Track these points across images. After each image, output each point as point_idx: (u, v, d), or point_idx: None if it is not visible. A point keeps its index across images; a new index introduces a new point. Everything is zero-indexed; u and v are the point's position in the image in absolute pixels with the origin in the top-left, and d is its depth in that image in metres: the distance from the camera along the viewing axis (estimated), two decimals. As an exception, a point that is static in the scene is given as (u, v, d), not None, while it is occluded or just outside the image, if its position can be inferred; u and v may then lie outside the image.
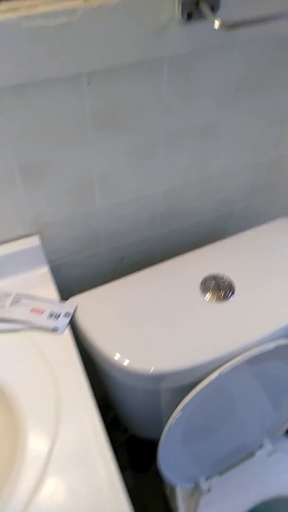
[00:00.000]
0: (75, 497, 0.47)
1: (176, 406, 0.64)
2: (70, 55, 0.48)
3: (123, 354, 0.62)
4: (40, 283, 0.66)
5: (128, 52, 0.50)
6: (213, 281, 0.69)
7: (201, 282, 0.69)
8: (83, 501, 0.47)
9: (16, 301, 0.63)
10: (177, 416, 0.64)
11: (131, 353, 0.62)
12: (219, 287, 0.68)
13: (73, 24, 0.45)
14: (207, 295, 0.68)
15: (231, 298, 0.67)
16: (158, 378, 0.62)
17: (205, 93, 0.60)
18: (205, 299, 0.68)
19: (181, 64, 0.55)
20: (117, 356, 0.62)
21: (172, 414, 0.64)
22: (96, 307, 0.67)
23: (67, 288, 0.79)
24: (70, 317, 0.63)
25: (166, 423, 0.67)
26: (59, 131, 0.55)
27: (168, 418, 0.66)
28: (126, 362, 0.61)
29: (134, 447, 1.25)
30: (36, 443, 0.51)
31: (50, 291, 0.66)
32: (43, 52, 0.47)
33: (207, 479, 0.84)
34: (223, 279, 0.69)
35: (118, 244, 0.76)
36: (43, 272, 0.68)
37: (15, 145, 0.54)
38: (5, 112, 0.51)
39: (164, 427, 0.68)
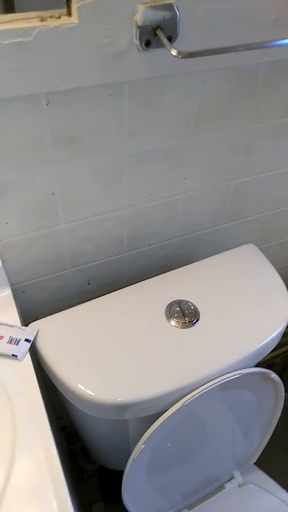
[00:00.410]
0: None
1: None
2: (26, 75, 0.48)
3: (85, 384, 0.60)
4: (1, 307, 0.64)
5: (86, 74, 0.50)
6: (178, 307, 0.68)
7: (167, 307, 0.68)
8: None
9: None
10: (140, 449, 0.61)
11: (94, 383, 0.60)
12: (184, 313, 0.67)
13: (28, 44, 0.45)
14: (172, 321, 0.66)
15: (196, 324, 0.66)
16: (123, 408, 0.60)
17: (168, 119, 0.61)
18: (170, 324, 0.66)
19: (142, 89, 0.56)
20: (78, 386, 0.59)
21: (135, 447, 0.62)
22: (58, 332, 0.65)
23: (31, 312, 0.77)
24: (31, 343, 0.60)
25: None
26: (19, 151, 0.55)
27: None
28: (88, 393, 0.59)
29: (105, 477, 1.20)
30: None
31: (12, 315, 0.63)
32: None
33: (176, 513, 0.81)
34: (188, 305, 0.69)
35: (84, 266, 0.75)
36: (5, 294, 0.66)
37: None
38: None
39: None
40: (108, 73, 0.51)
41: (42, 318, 0.66)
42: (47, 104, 0.51)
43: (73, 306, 0.68)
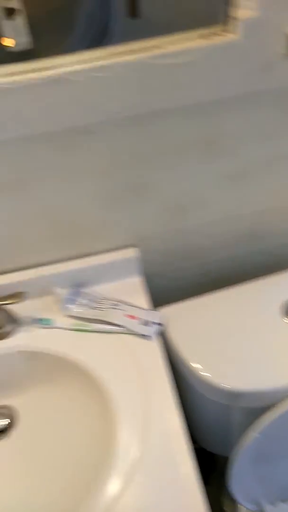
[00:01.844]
0: (158, 498, 0.50)
1: (249, 426, 0.66)
2: (182, 88, 0.54)
3: (206, 367, 0.66)
4: (134, 291, 0.72)
5: (235, 84, 0.55)
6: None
7: (282, 305, 0.71)
8: (165, 505, 0.49)
9: (113, 305, 0.69)
10: (253, 438, 0.65)
11: (214, 368, 0.66)
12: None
13: (195, 62, 0.51)
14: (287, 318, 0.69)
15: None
16: (237, 395, 0.65)
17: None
18: (284, 321, 0.69)
19: (285, 95, 0.58)
20: (200, 368, 0.66)
21: (249, 435, 0.66)
22: (183, 319, 0.71)
23: (153, 299, 0.84)
24: (160, 326, 0.67)
25: (235, 441, 0.68)
26: (166, 155, 0.61)
27: (238, 437, 0.68)
28: (208, 375, 0.65)
29: (198, 459, 1.25)
30: (126, 442, 0.55)
31: (142, 300, 0.71)
32: (165, 85, 0.53)
33: (271, 504, 0.83)
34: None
35: (206, 260, 0.80)
36: (137, 281, 0.74)
37: (127, 167, 0.61)
38: (118, 137, 0.58)
39: (232, 444, 0.69)
40: (257, 82, 0.55)
41: (166, 306, 0.73)
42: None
43: (190, 296, 0.74)
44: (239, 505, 0.83)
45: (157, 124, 0.57)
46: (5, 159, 0.57)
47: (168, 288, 0.84)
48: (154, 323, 0.67)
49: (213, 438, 0.92)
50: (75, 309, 0.70)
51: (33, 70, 0.50)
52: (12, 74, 0.50)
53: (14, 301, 0.65)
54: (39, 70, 0.50)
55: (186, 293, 0.82)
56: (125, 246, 0.72)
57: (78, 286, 0.72)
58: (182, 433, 0.55)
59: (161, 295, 0.85)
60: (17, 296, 0.65)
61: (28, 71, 0.50)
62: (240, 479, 0.75)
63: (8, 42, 0.49)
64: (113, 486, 0.51)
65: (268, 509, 0.82)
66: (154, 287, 0.82)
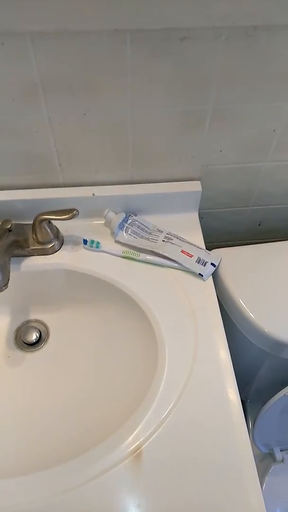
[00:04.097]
0: (204, 416, 0.51)
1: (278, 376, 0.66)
2: None
3: (256, 312, 0.65)
4: (191, 228, 0.68)
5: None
6: None
7: None
8: (210, 423, 0.51)
9: (168, 239, 0.66)
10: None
11: (264, 314, 0.65)
12: None
13: None
14: None
15: None
16: (281, 345, 0.64)
17: None
18: None
19: None
20: (250, 311, 0.65)
21: (285, 389, 0.66)
22: (236, 264, 0.68)
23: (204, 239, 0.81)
24: (215, 267, 0.64)
25: (257, 387, 0.68)
26: (267, 80, 0.54)
27: (263, 384, 0.68)
28: (258, 320, 0.64)
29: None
30: (172, 368, 0.55)
31: (198, 238, 0.67)
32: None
33: (282, 450, 0.87)
34: None
35: (264, 207, 0.75)
36: (194, 217, 0.69)
37: (216, 88, 0.54)
38: (220, 50, 0.50)
39: (252, 390, 0.69)
40: None
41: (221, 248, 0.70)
42: None
43: (238, 241, 0.71)
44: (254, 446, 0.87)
45: (271, 41, 0.49)
46: (84, 54, 0.50)
47: (219, 231, 0.80)
48: (210, 263, 0.64)
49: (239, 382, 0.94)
50: (126, 236, 0.66)
51: None
52: None
53: (65, 217, 0.61)
54: None
55: (238, 238, 0.79)
56: (189, 179, 0.67)
57: (132, 213, 0.68)
58: (229, 364, 0.55)
59: (212, 237, 0.81)
60: (69, 212, 0.61)
61: None
62: (263, 426, 0.77)
63: None
64: (159, 405, 0.52)
65: (279, 454, 0.86)
66: (206, 228, 0.79)
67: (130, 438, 0.49)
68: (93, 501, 0.45)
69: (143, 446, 0.48)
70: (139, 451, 0.48)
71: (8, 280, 0.58)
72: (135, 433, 0.49)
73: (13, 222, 0.62)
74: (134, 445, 0.49)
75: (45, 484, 0.47)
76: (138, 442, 0.49)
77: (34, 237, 0.65)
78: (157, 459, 0.48)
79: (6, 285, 0.58)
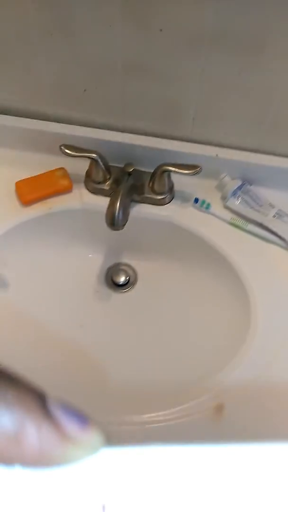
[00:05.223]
0: None
1: None
2: None
3: None
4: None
5: None
6: None
7: None
8: None
9: (279, 215, 0.65)
10: None
11: None
12: None
13: None
14: None
15: None
16: None
17: None
18: None
19: None
20: None
21: None
22: None
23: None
24: None
25: None
26: None
27: None
28: None
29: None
30: (264, 333, 0.57)
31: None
32: None
33: None
34: None
35: None
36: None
37: None
38: None
39: None
40: None
41: None
42: None
43: None
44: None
45: None
46: (266, 11, 0.48)
47: None
48: None
49: None
50: (237, 203, 0.66)
51: None
52: None
53: (188, 172, 0.61)
54: None
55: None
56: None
57: (248, 182, 0.68)
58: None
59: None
60: (193, 168, 0.61)
61: None
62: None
63: None
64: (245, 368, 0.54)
65: None
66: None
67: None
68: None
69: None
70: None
71: (127, 221, 0.60)
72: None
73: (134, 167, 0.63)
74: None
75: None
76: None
77: (151, 185, 0.66)
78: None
79: (124, 225, 0.60)
